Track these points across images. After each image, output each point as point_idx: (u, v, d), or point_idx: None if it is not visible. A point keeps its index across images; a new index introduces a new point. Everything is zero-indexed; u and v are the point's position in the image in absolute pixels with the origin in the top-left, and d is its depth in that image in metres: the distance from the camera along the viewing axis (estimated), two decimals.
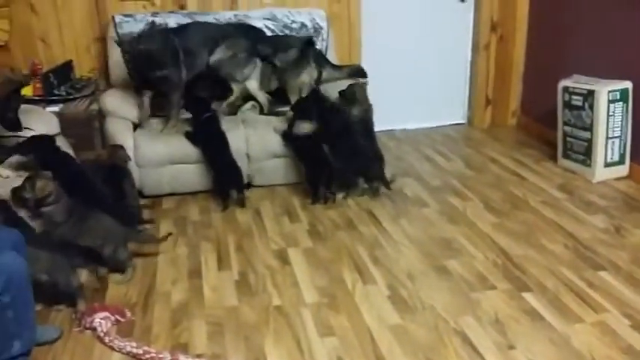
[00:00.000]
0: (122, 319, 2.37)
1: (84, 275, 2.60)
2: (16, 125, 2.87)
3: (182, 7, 4.20)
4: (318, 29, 4.19)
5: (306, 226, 3.22)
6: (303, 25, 4.15)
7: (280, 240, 3.06)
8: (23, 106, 3.34)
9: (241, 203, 3.43)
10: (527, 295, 2.53)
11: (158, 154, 3.45)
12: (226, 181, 3.45)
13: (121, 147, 3.31)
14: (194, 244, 3.04)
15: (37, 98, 3.61)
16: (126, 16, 3.92)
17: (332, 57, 4.19)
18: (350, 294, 2.58)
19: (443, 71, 4.92)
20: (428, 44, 4.80)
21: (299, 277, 2.71)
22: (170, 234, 2.99)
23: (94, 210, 2.68)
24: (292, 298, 2.55)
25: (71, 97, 3.67)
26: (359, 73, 4.11)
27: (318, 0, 4.42)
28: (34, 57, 4.00)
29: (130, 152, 3.40)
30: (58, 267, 2.41)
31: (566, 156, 3.96)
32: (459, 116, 5.12)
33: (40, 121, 3.12)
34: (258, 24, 4.05)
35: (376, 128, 4.75)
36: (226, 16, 4.07)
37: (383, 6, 4.61)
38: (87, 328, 2.31)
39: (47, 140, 2.97)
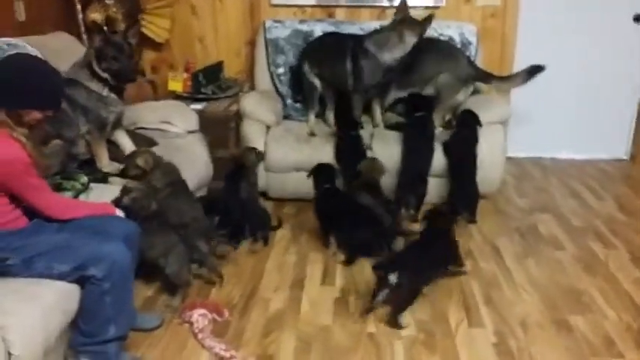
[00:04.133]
0: (219, 319, 2.43)
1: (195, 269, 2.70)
2: (131, 74, 2.81)
3: (330, 15, 4.24)
4: (466, 44, 3.98)
5: None
6: (451, 39, 3.97)
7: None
8: (169, 102, 3.60)
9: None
10: None
11: (286, 160, 3.50)
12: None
13: (255, 150, 3.39)
14: (304, 254, 3.03)
15: (185, 95, 3.86)
16: (276, 21, 4.04)
17: None
18: (451, 334, 2.39)
19: (607, 99, 4.43)
20: (592, 67, 4.35)
21: None
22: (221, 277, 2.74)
23: (191, 195, 2.78)
24: (388, 327, 2.42)
25: (215, 96, 3.86)
26: (536, 70, 3.66)
27: (470, 13, 4.21)
28: (191, 56, 4.30)
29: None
30: (176, 255, 2.54)
31: None
32: (620, 151, 4.58)
33: (180, 117, 3.32)
34: None
35: (522, 154, 4.51)
36: (372, 26, 4.01)
37: (544, 23, 4.26)
38: (185, 322, 2.39)
39: None
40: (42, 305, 1.83)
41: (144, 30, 4.06)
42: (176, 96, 3.89)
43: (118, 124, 2.92)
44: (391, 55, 3.51)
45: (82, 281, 1.97)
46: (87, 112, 2.73)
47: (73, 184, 2.49)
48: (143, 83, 3.91)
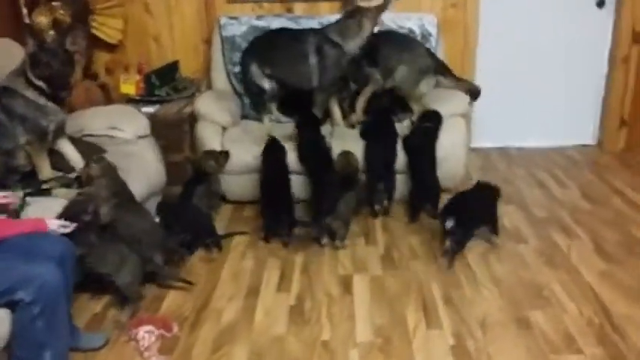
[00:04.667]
0: (168, 334, 2.33)
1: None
2: (63, 80, 2.65)
3: (289, 10, 4.13)
4: (426, 36, 3.90)
5: (381, 251, 3.00)
6: (410, 31, 3.89)
7: (349, 264, 2.87)
8: (118, 106, 3.49)
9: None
10: None
11: (243, 161, 3.39)
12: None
13: (215, 154, 3.30)
14: (261, 259, 2.94)
15: (138, 98, 3.73)
16: (231, 18, 3.93)
17: None
18: (408, 338, 2.32)
19: (572, 85, 4.39)
20: (556, 54, 4.30)
21: (357, 310, 2.50)
22: (190, 282, 2.69)
23: (140, 207, 2.71)
24: (344, 333, 2.35)
25: (170, 98, 3.74)
26: (474, 93, 3.73)
27: (431, 4, 4.12)
28: (146, 56, 4.16)
29: None
30: (129, 267, 2.45)
31: None
32: (587, 137, 4.54)
33: (128, 122, 3.20)
34: None
35: (488, 144, 4.46)
36: (331, 19, 3.91)
37: (505, 10, 4.20)
38: (132, 339, 2.29)
39: None
40: None
41: (95, 31, 3.93)
42: (129, 99, 3.76)
43: (60, 132, 2.79)
44: (354, 43, 3.47)
45: (12, 305, 1.87)
46: (25, 121, 2.60)
47: None
48: (93, 87, 3.77)
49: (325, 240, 3.04)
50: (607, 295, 2.58)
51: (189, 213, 3.06)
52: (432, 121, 3.43)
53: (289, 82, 3.61)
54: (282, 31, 3.73)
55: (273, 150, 3.30)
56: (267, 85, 3.61)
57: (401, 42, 3.77)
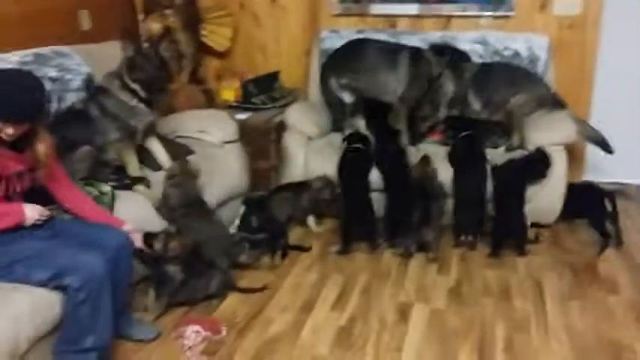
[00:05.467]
0: (214, 336, 2.37)
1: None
2: (159, 84, 2.83)
3: (392, 25, 4.07)
4: (533, 60, 3.64)
5: (452, 282, 2.83)
6: (516, 53, 3.66)
7: (413, 292, 2.74)
8: (211, 111, 3.64)
9: None
10: None
11: (323, 172, 3.36)
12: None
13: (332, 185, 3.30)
14: (325, 274, 2.91)
15: (235, 104, 3.87)
16: (332, 31, 3.95)
17: None
18: None
19: None
20: None
21: (408, 342, 2.38)
22: (263, 288, 2.75)
23: (210, 214, 2.82)
24: None
25: (265, 106, 3.84)
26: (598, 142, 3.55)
27: (544, 23, 3.84)
28: (252, 65, 4.31)
29: (301, 168, 3.42)
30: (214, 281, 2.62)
31: None
32: None
33: (216, 127, 3.33)
34: (467, 47, 3.71)
35: (603, 179, 4.06)
36: (434, 37, 3.80)
37: (629, 33, 3.80)
38: (179, 337, 2.36)
39: None
40: (13, 312, 1.87)
41: (204, 39, 4.14)
42: (229, 105, 3.91)
43: (149, 132, 2.96)
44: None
45: (62, 289, 2.00)
46: (116, 119, 2.79)
47: (91, 190, 2.55)
48: (196, 92, 3.96)
49: (413, 248, 3.04)
50: None
51: (267, 213, 3.13)
52: (535, 159, 3.23)
53: (368, 91, 3.60)
54: (371, 42, 3.72)
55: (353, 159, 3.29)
56: (347, 98, 3.63)
57: (516, 72, 3.60)
